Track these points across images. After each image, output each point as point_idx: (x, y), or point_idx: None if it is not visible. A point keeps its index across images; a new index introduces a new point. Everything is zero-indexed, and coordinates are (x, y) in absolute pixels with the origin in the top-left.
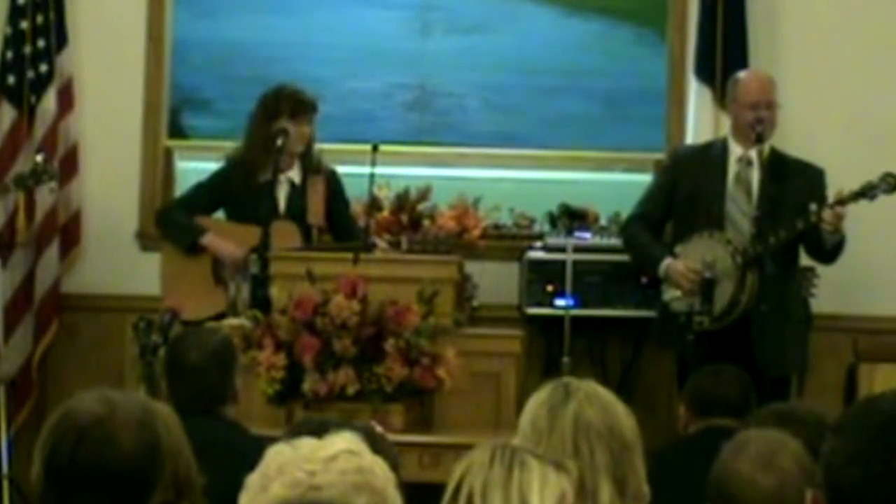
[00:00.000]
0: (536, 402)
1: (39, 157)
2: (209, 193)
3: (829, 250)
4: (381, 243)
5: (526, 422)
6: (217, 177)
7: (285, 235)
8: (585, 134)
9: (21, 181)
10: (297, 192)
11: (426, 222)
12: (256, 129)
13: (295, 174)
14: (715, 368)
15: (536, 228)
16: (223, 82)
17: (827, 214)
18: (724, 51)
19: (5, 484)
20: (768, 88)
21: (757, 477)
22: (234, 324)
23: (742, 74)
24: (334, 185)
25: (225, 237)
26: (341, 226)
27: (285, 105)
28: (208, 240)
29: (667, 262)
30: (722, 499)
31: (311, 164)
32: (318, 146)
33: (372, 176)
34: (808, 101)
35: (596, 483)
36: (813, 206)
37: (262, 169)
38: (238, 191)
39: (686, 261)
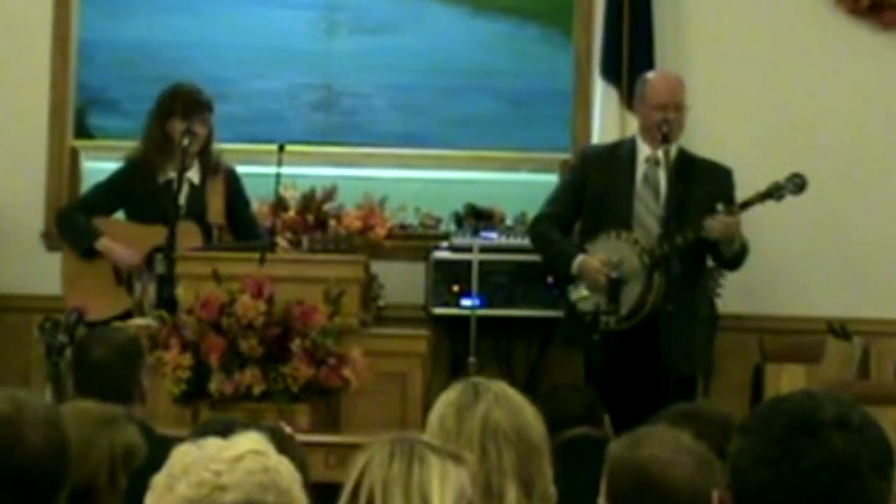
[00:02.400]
0: (445, 401)
1: None
2: (109, 194)
3: (731, 259)
4: (282, 242)
5: (434, 421)
6: (116, 177)
7: (187, 235)
8: (492, 134)
9: None
10: (197, 192)
11: (332, 222)
12: (152, 129)
13: (194, 174)
14: (552, 388)
15: (442, 228)
16: (130, 82)
17: (709, 225)
18: (630, 51)
19: None
20: (677, 90)
21: (676, 458)
22: (140, 324)
23: (651, 75)
24: (234, 183)
25: (124, 239)
26: (242, 224)
27: (179, 104)
28: (103, 244)
29: (580, 258)
30: (639, 488)
31: (209, 164)
32: (216, 146)
33: (278, 176)
34: (715, 101)
35: (502, 485)
36: (720, 206)
37: (160, 169)
38: (138, 191)
39: (600, 256)
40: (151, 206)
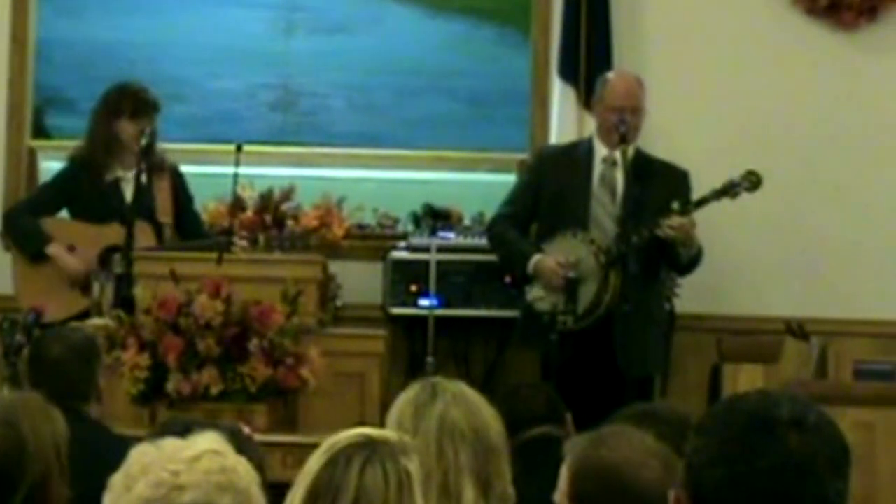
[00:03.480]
0: (404, 400)
1: None
2: (56, 193)
3: (686, 263)
4: (239, 241)
5: (392, 420)
6: (62, 176)
7: (142, 234)
8: (449, 134)
9: None
10: (145, 191)
11: (290, 222)
12: (98, 128)
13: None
14: (513, 388)
15: (400, 228)
16: (87, 82)
17: (665, 227)
18: (588, 51)
19: None
20: (635, 93)
21: (646, 461)
22: (98, 324)
23: (611, 75)
24: (179, 181)
25: (78, 239)
26: (188, 222)
27: (126, 104)
28: (52, 250)
29: (536, 257)
30: (609, 490)
31: (155, 162)
32: (161, 145)
33: (236, 176)
34: (673, 102)
35: (460, 483)
36: (675, 205)
37: (106, 168)
38: (84, 189)
39: (556, 255)
40: (99, 205)
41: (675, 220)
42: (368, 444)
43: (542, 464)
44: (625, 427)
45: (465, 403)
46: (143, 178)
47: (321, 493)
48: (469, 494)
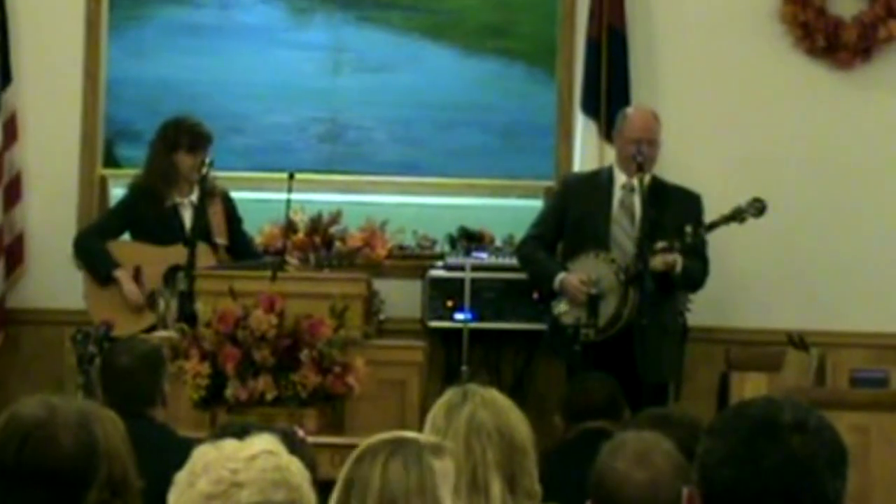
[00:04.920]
0: (438, 404)
1: None
2: (121, 219)
3: (685, 284)
4: (292, 260)
5: (427, 421)
6: (124, 204)
7: (202, 255)
8: (482, 163)
9: None
10: (202, 215)
11: (337, 243)
12: (157, 160)
13: (195, 198)
14: (581, 377)
15: (437, 249)
16: (153, 116)
17: (657, 261)
18: (608, 88)
19: None
20: (652, 127)
21: (631, 473)
22: (163, 336)
23: (630, 110)
24: (230, 205)
25: (146, 259)
26: (240, 243)
27: (184, 139)
28: (118, 274)
29: (561, 275)
30: (600, 495)
31: (207, 188)
32: (219, 173)
33: (288, 202)
34: (686, 133)
35: (487, 478)
36: (688, 228)
37: (165, 196)
38: (146, 216)
39: (579, 274)
40: (160, 229)
41: (658, 261)
42: (394, 443)
43: (590, 457)
44: (641, 433)
45: (493, 406)
46: (196, 201)
47: (352, 487)
48: (496, 488)
